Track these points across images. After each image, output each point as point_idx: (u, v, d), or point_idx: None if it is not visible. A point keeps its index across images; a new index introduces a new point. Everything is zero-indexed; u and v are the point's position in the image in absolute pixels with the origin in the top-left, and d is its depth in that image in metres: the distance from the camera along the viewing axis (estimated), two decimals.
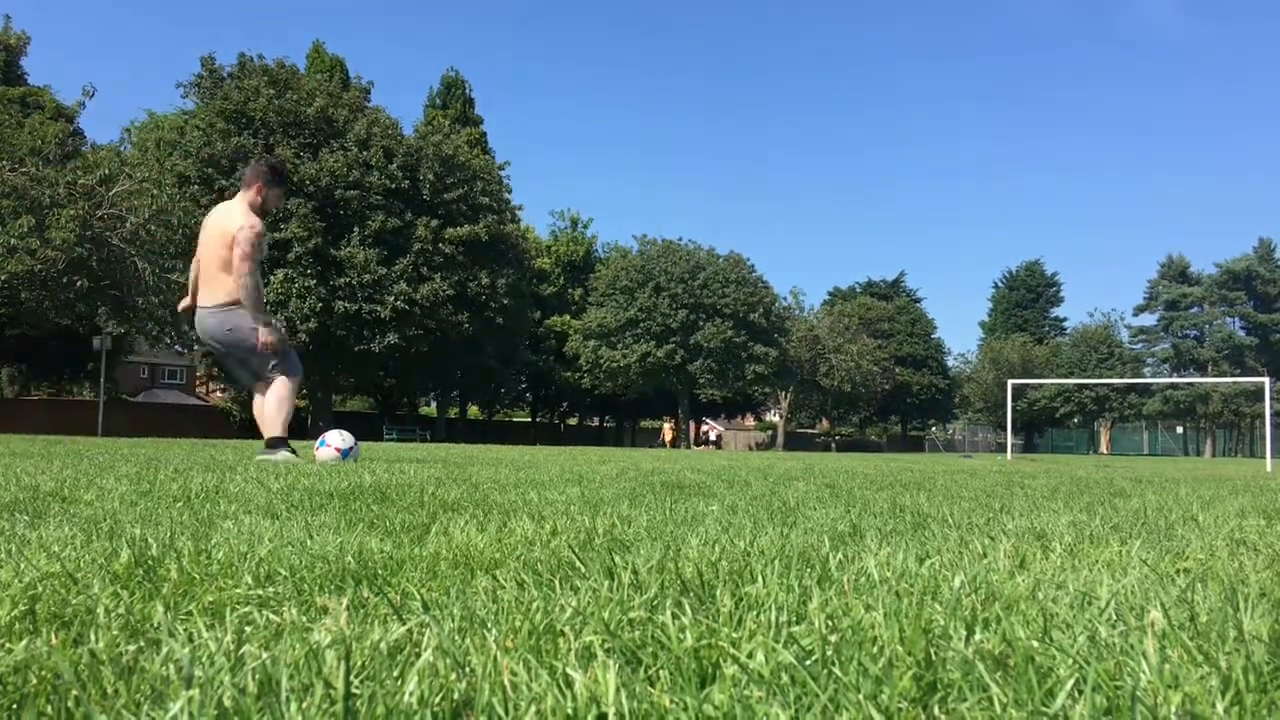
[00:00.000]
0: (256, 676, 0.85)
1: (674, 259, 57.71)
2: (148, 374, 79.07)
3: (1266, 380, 24.63)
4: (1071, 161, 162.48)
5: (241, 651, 0.96)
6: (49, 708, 0.82)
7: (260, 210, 7.58)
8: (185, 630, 1.10)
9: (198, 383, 76.08)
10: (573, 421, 73.17)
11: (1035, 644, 1.05)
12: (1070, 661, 0.99)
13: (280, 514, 2.83)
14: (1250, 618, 1.24)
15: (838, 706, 0.86)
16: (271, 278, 39.44)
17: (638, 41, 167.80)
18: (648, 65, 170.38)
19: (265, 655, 0.92)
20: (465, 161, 45.64)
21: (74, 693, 0.83)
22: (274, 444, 7.45)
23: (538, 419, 69.39)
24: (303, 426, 51.30)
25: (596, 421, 74.16)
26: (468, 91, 59.80)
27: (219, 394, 63.98)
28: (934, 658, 0.99)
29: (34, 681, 0.86)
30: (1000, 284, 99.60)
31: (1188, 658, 1.02)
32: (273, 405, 7.49)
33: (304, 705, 0.79)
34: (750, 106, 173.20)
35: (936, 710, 0.85)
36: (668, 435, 57.58)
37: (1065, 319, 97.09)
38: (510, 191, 50.26)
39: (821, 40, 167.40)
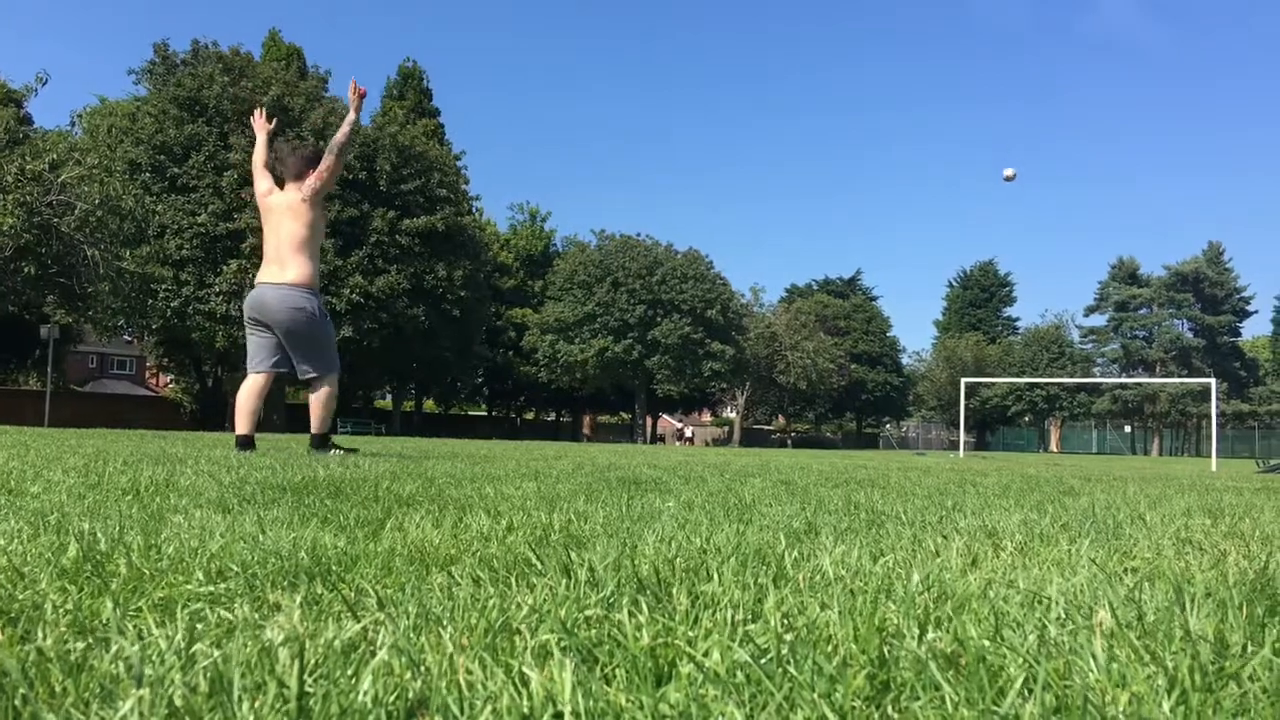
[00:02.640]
0: (208, 675, 0.84)
1: (632, 254, 57.73)
2: (96, 364, 77.86)
3: (1213, 382, 25.08)
4: (1025, 163, 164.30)
5: (193, 650, 0.94)
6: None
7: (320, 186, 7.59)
8: (135, 627, 1.08)
9: (148, 373, 75.01)
10: (529, 416, 72.98)
11: (987, 643, 1.07)
12: (1020, 660, 1.00)
13: (232, 508, 2.80)
14: (1196, 617, 1.26)
15: (793, 705, 0.87)
16: (224, 268, 38.97)
17: (597, 36, 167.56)
18: (607, 62, 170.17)
19: (217, 653, 0.91)
20: (422, 152, 45.32)
21: (21, 691, 0.82)
22: (322, 442, 7.69)
23: (494, 413, 69.13)
24: None
25: (553, 416, 74.04)
26: (425, 82, 59.33)
27: (170, 385, 63.14)
28: (888, 656, 1.00)
29: None
30: (954, 283, 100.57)
31: (1135, 657, 1.04)
32: (323, 402, 7.76)
33: (256, 704, 0.79)
34: (708, 105, 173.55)
35: (890, 710, 0.86)
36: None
37: (1018, 319, 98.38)
38: (468, 183, 50.03)
39: (779, 41, 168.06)
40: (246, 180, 39.76)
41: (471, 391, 64.59)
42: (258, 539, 1.98)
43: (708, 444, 71.10)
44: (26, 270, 27.97)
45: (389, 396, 60.54)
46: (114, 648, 0.94)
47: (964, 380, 29.54)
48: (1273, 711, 0.85)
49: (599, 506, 3.19)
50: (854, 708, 0.87)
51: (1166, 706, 0.87)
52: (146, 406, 53.22)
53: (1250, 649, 1.07)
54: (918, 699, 0.89)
